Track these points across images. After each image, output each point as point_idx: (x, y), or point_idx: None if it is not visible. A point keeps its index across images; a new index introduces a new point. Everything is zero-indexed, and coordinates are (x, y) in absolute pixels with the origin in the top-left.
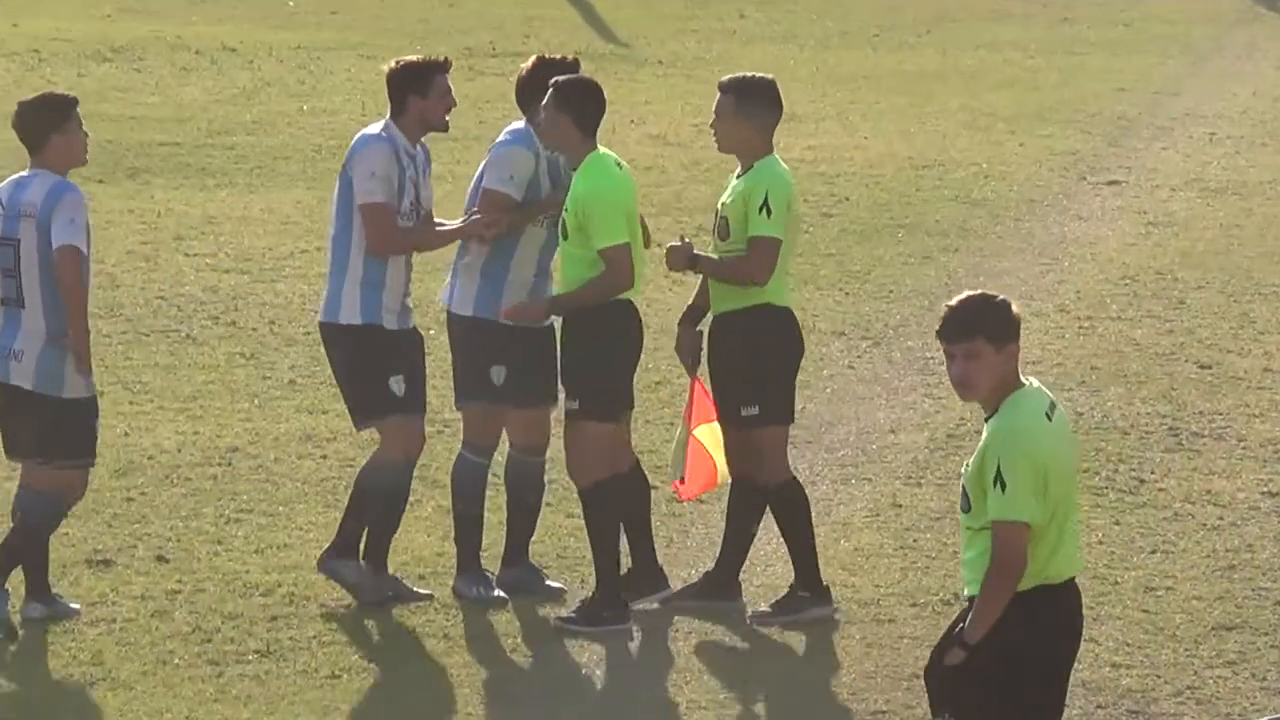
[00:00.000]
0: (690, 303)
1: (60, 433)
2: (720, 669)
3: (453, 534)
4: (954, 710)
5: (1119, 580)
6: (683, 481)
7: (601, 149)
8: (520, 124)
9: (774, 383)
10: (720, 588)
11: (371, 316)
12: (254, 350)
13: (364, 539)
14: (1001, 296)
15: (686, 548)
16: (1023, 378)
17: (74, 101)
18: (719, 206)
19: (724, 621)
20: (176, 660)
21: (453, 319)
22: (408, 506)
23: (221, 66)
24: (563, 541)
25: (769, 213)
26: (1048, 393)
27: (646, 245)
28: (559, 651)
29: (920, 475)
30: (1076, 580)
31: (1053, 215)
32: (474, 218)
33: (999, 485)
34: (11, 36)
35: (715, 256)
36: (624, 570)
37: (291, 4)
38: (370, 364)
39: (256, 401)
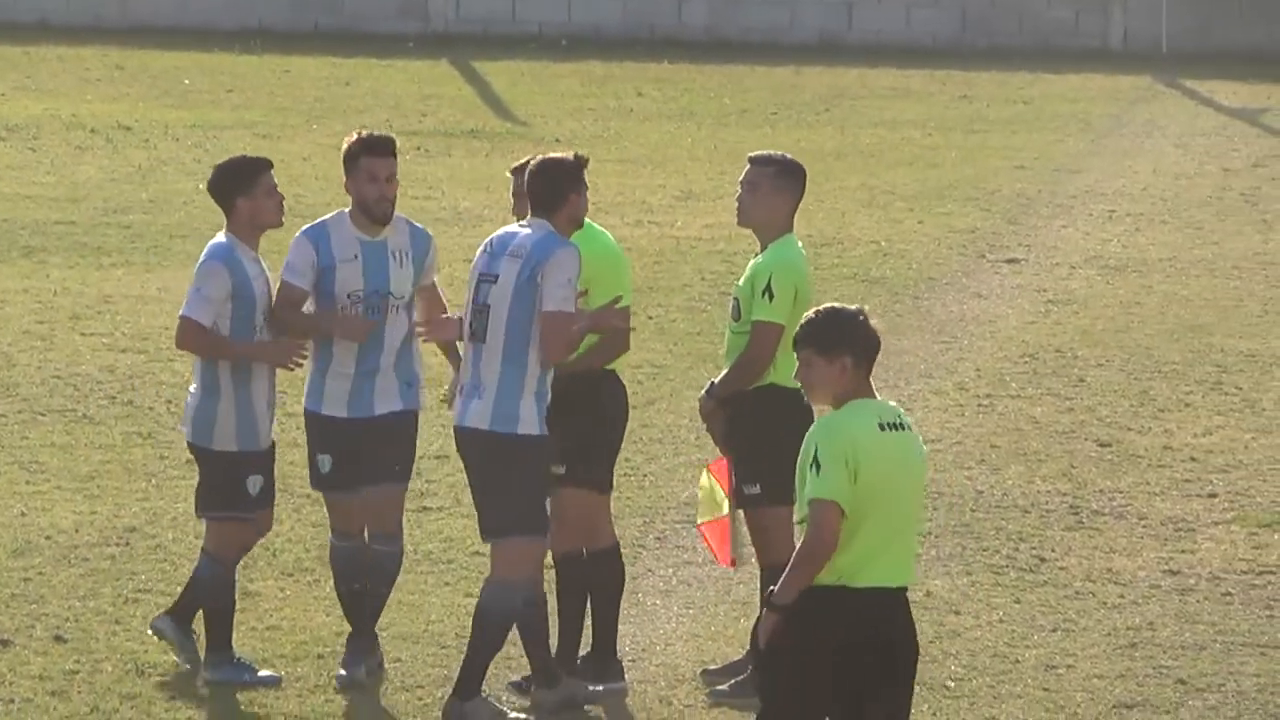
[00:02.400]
0: (715, 379)
1: (206, 484)
2: None
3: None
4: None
5: (1020, 659)
6: (733, 564)
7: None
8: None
9: (776, 462)
10: None
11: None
12: (151, 429)
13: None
14: (850, 310)
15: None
16: (875, 396)
17: (261, 165)
18: (734, 288)
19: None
20: None
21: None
22: (307, 586)
23: (117, 145)
24: (462, 621)
25: (771, 297)
26: (899, 413)
27: None
28: None
29: None
30: (895, 594)
31: (952, 293)
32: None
33: (814, 467)
34: None
35: (721, 373)
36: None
37: (187, 82)
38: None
39: (154, 481)
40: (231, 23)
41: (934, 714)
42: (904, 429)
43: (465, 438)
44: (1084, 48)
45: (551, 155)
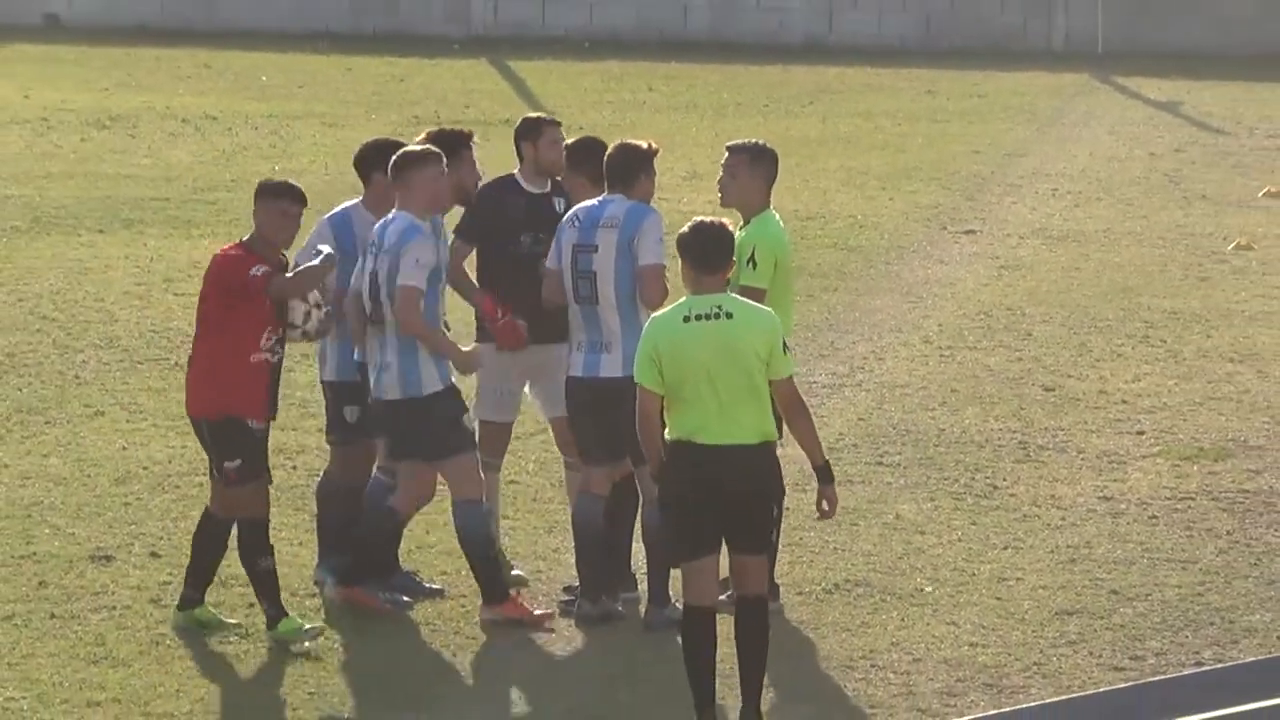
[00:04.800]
0: None
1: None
2: (616, 648)
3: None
4: None
5: (975, 572)
6: None
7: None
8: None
9: None
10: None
11: None
12: None
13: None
14: (698, 224)
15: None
16: (700, 293)
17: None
18: None
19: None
20: (168, 642)
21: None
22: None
23: (204, 133)
24: (499, 542)
25: (754, 265)
26: (720, 305)
27: None
28: (488, 643)
29: (806, 483)
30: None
31: (918, 260)
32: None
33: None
34: (23, 106)
35: None
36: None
37: (264, 78)
38: None
39: None
40: (302, 27)
41: (902, 619)
42: (716, 319)
43: (598, 387)
44: (1031, 49)
45: (628, 141)
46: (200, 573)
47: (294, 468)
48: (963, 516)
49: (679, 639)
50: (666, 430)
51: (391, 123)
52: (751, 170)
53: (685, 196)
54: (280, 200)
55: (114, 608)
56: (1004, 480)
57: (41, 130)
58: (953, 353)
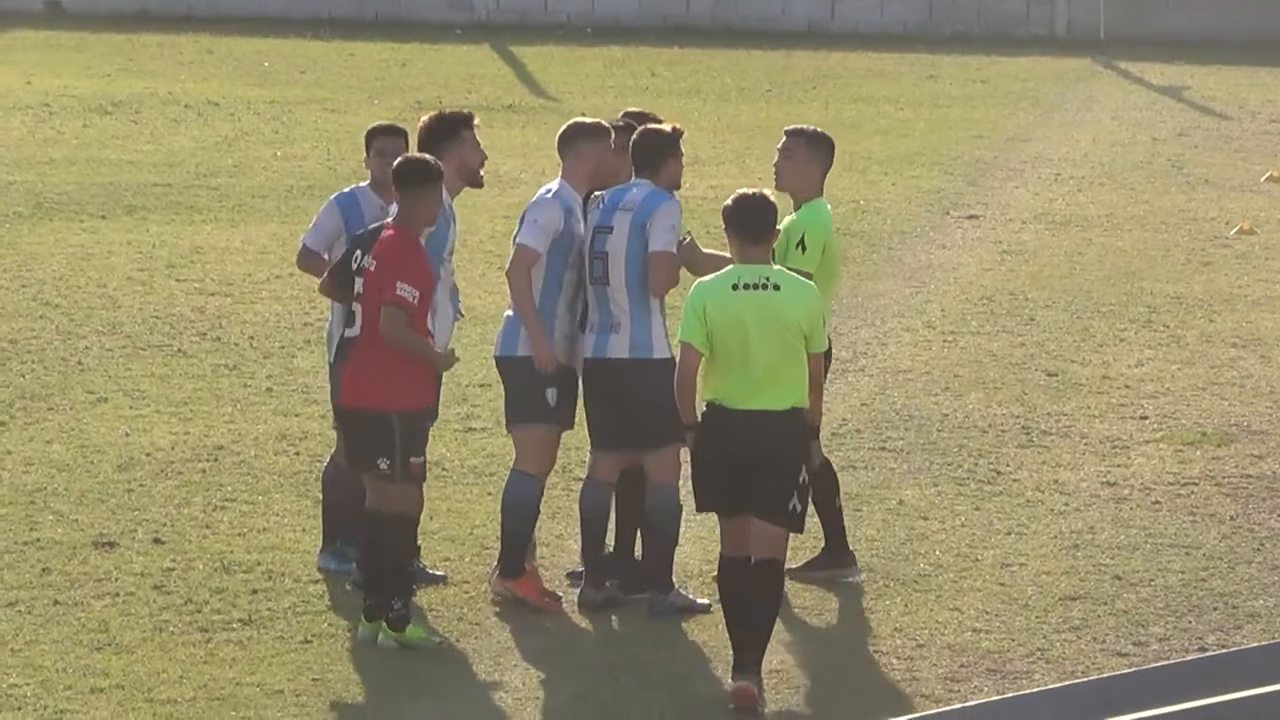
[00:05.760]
0: None
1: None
2: (620, 634)
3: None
4: None
5: (979, 558)
6: None
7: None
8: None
9: None
10: (837, 559)
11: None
12: (236, 362)
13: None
14: (739, 196)
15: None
16: (747, 263)
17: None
18: None
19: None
20: (171, 628)
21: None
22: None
23: (207, 118)
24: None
25: (804, 249)
26: (768, 277)
27: None
28: (499, 626)
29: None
30: (767, 414)
31: (920, 245)
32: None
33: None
34: (26, 93)
35: None
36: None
37: (267, 64)
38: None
39: (239, 406)
40: (304, 13)
41: (905, 605)
42: (763, 289)
43: (606, 368)
44: (1033, 34)
45: (652, 126)
46: (404, 578)
47: (297, 454)
48: (966, 502)
49: (683, 624)
50: (701, 392)
51: (394, 108)
52: (809, 152)
53: (688, 182)
54: (434, 184)
55: (117, 594)
56: (1007, 466)
57: (44, 116)
58: (955, 338)
